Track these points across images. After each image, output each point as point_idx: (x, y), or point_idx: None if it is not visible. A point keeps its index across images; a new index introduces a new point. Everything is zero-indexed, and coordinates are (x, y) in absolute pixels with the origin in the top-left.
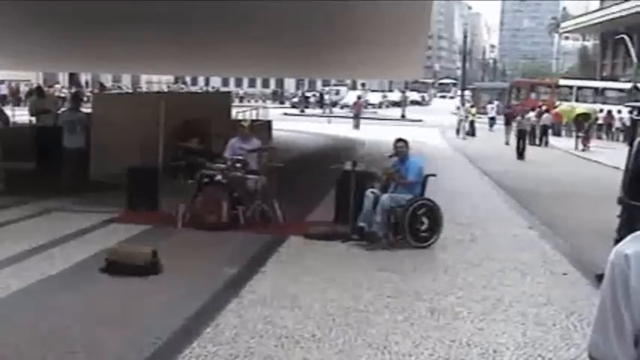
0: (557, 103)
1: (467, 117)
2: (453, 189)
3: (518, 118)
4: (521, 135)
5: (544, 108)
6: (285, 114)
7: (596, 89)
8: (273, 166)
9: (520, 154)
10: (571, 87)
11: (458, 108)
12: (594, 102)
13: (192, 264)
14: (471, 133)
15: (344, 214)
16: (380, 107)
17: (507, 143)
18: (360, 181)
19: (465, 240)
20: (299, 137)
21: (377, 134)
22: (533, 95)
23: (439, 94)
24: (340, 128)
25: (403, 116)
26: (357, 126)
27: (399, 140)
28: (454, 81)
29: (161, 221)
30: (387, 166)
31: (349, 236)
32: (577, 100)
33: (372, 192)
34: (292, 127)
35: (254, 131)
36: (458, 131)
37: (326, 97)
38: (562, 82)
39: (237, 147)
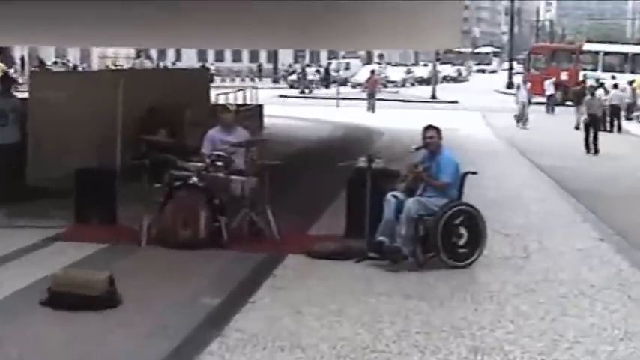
0: (582, 73)
1: (529, 100)
2: (499, 191)
3: (587, 97)
4: (592, 121)
5: (564, 78)
6: (282, 96)
7: (625, 55)
8: (266, 164)
9: (590, 145)
10: (597, 53)
11: (518, 87)
12: (621, 71)
13: (160, 293)
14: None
15: (358, 225)
16: (403, 85)
17: (577, 127)
18: (378, 183)
19: (515, 257)
20: (299, 126)
21: (399, 121)
22: (555, 63)
23: (475, 68)
24: (352, 113)
25: (433, 97)
26: (371, 108)
27: (429, 128)
28: (495, 49)
29: (120, 238)
30: (414, 162)
31: (365, 254)
32: (604, 70)
33: (394, 196)
34: (290, 112)
35: (240, 119)
36: (518, 119)
37: (333, 73)
38: (587, 46)
39: (218, 140)
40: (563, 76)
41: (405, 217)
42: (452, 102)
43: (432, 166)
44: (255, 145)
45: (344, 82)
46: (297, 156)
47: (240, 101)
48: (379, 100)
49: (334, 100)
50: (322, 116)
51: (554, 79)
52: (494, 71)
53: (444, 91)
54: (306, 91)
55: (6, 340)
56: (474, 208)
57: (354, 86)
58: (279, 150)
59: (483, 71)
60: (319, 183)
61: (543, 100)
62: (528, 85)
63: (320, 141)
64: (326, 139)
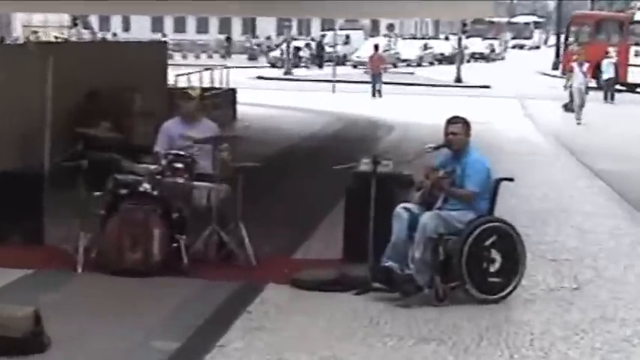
0: (634, 49)
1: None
2: (543, 203)
3: None
4: None
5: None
6: (261, 78)
7: None
8: (240, 166)
9: None
10: None
11: (571, 69)
12: None
13: (100, 334)
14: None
15: (358, 246)
16: (419, 65)
17: None
18: (385, 192)
19: (563, 288)
20: (283, 117)
21: (413, 111)
22: (601, 37)
23: (512, 43)
24: (352, 101)
25: (458, 80)
26: (377, 94)
27: (454, 121)
28: (537, 19)
29: (49, 262)
30: (431, 165)
31: (368, 284)
32: None
33: (407, 209)
34: (272, 99)
35: (207, 108)
36: (568, 108)
37: (328, 48)
38: (639, 16)
39: (177, 134)
40: (611, 52)
41: (421, 236)
42: (482, 87)
43: (455, 171)
44: (226, 141)
45: (342, 61)
46: (280, 156)
47: (206, 84)
48: (387, 83)
49: (329, 84)
50: (314, 105)
51: (614, 58)
52: (536, 47)
53: (471, 72)
54: (293, 71)
55: None
56: (509, 225)
57: (354, 66)
58: (258, 148)
59: (522, 47)
60: (309, 191)
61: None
62: (586, 66)
63: (310, 137)
64: (318, 135)
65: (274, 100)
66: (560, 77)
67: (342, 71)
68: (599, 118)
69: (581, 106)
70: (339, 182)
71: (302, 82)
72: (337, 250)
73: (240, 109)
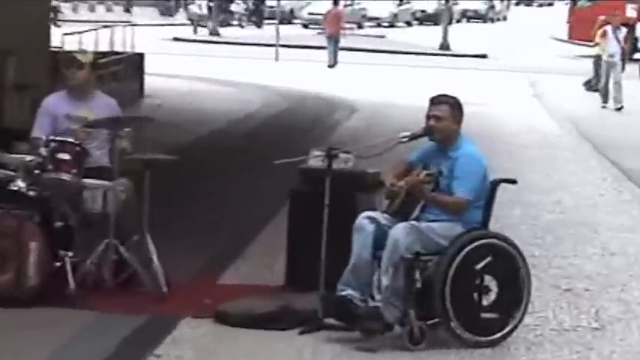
0: None
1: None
2: (555, 214)
3: None
4: None
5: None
6: (178, 39)
7: None
8: (147, 159)
9: None
10: None
11: (604, 34)
12: None
13: None
14: (597, 87)
15: (306, 268)
16: (392, 25)
17: None
18: (343, 195)
19: (581, 328)
20: (207, 93)
21: (384, 87)
22: None
23: None
24: (301, 72)
25: (445, 46)
26: (334, 64)
27: (438, 102)
28: None
29: None
30: (406, 160)
31: (318, 320)
32: None
33: (372, 219)
34: (193, 69)
35: (103, 79)
36: (591, 86)
37: (269, 1)
38: None
39: (62, 115)
40: (630, 11)
41: (390, 256)
42: (477, 56)
43: (440, 169)
44: (130, 124)
45: (288, 18)
46: (203, 146)
47: (103, 47)
48: (348, 50)
49: (270, 50)
50: (249, 77)
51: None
52: (548, 4)
53: (463, 36)
54: (221, 32)
55: None
56: (509, 242)
57: (305, 25)
58: (173, 135)
59: (530, 3)
60: (241, 195)
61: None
62: (624, 32)
63: (244, 120)
64: (255, 118)
65: (196, 69)
66: (584, 45)
67: (289, 32)
68: (631, 101)
69: (618, 84)
70: (282, 182)
71: (234, 47)
72: (278, 273)
73: (150, 81)
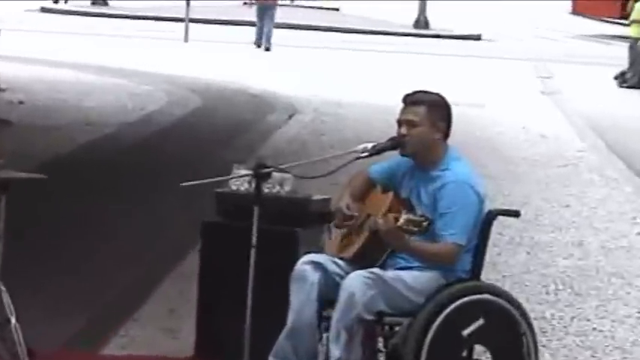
0: None
1: None
2: (574, 260)
3: None
4: None
5: None
6: (46, 10)
7: None
8: (2, 178)
9: None
10: None
11: None
12: None
13: None
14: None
15: (224, 332)
16: None
17: None
18: (277, 232)
19: None
20: (89, 86)
21: (337, 79)
22: None
23: None
24: (220, 57)
25: (422, 23)
26: (267, 47)
27: (411, 101)
28: None
29: None
30: (370, 176)
31: None
32: None
33: (318, 265)
34: (68, 52)
35: None
36: (624, 77)
37: None
38: None
39: None
40: None
41: (342, 316)
42: (467, 38)
43: (419, 198)
44: None
45: None
46: (84, 160)
47: None
48: (285, 27)
49: (178, 26)
50: (148, 63)
51: None
52: None
53: (446, 10)
54: (109, 1)
55: None
56: (509, 299)
57: None
58: (41, 145)
59: None
60: (135, 228)
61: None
62: None
63: (141, 124)
64: (156, 121)
65: (73, 53)
66: (617, 23)
67: (204, 2)
68: None
69: None
70: (191, 212)
71: (127, 21)
72: (184, 340)
73: (6, 68)
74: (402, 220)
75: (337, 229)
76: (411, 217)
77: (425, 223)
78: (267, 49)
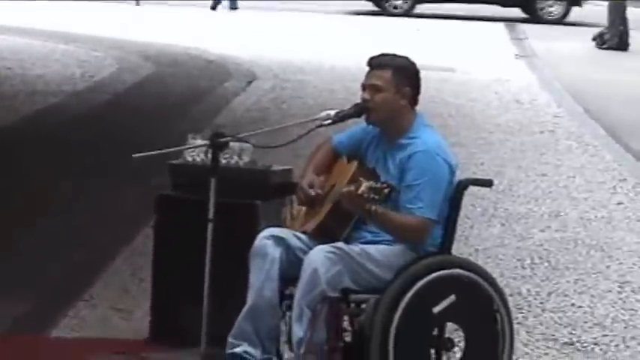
0: None
1: None
2: (552, 232)
3: None
4: None
5: None
6: None
7: None
8: None
9: None
10: None
11: None
12: None
13: None
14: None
15: (181, 313)
16: None
17: None
18: (235, 205)
19: None
20: (34, 52)
21: (296, 43)
22: None
23: None
24: (174, 20)
25: None
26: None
27: (376, 64)
28: None
29: None
30: (333, 144)
31: None
32: None
33: (279, 239)
34: (8, 15)
35: None
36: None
37: None
38: None
39: None
40: None
41: (305, 294)
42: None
43: (385, 167)
44: None
45: None
46: (27, 133)
47: None
48: None
49: None
50: (97, 27)
51: None
52: None
53: None
54: None
55: None
56: (482, 274)
57: None
58: None
59: None
60: (84, 204)
61: None
62: None
63: (89, 93)
64: (105, 89)
65: (14, 17)
66: None
67: None
68: None
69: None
70: (143, 186)
71: None
72: (138, 321)
73: None
74: (362, 188)
75: (298, 206)
76: (372, 184)
77: (386, 190)
78: (234, 9)
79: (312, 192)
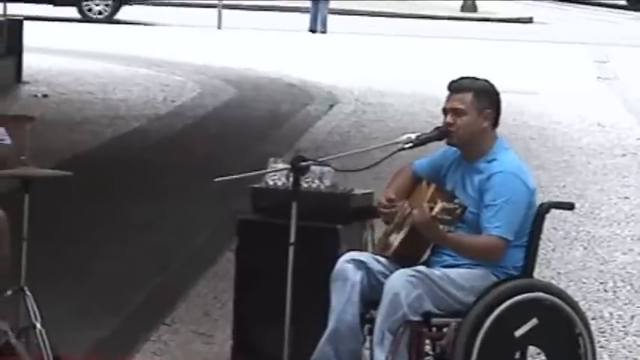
0: None
1: None
2: (634, 254)
3: None
4: None
5: None
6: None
7: None
8: (27, 175)
9: None
10: None
11: None
12: None
13: None
14: None
15: (262, 335)
16: None
17: None
18: (316, 229)
19: None
20: (115, 77)
21: (377, 68)
22: None
23: None
24: (257, 46)
25: (471, 7)
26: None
27: (456, 88)
28: None
29: None
30: (413, 169)
31: None
32: None
33: (360, 263)
34: (93, 41)
35: None
36: None
37: None
38: None
39: None
40: None
41: (387, 317)
42: (518, 21)
43: (464, 190)
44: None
45: None
46: (111, 157)
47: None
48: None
49: (211, 12)
50: (180, 52)
51: None
52: None
53: None
54: None
55: None
56: (564, 297)
57: None
58: (66, 140)
59: None
60: (166, 228)
61: None
62: None
63: (172, 117)
64: (188, 113)
65: (98, 42)
66: None
67: None
68: None
69: None
70: (226, 209)
71: (155, 8)
72: (220, 344)
73: (29, 60)
74: (436, 209)
75: (384, 225)
76: (445, 205)
77: (458, 210)
78: (323, 32)
79: (389, 197)
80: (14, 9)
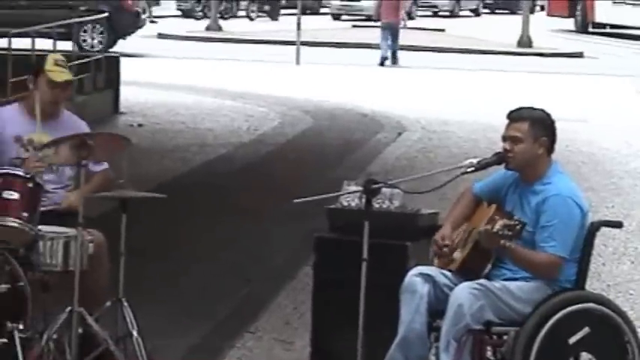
0: None
1: None
2: None
3: None
4: None
5: None
6: (163, 36)
7: None
8: (124, 197)
9: None
10: None
11: None
12: None
13: None
14: None
15: (338, 343)
16: (454, 15)
17: None
18: (387, 245)
19: None
20: (202, 109)
21: (441, 99)
22: None
23: None
24: (331, 79)
25: (526, 43)
26: (392, 60)
27: (514, 118)
28: None
29: None
30: (474, 192)
31: None
32: None
33: (427, 277)
34: (183, 76)
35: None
36: None
37: None
38: None
39: (12, 136)
40: None
41: (451, 327)
42: (570, 55)
43: (522, 210)
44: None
45: (313, 8)
46: (199, 180)
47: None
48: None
49: (290, 49)
50: (262, 85)
51: None
52: None
53: (549, 28)
54: (223, 25)
55: None
56: (614, 308)
57: (336, 16)
58: (158, 165)
59: None
60: (249, 245)
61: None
62: None
63: (255, 145)
64: (269, 141)
65: (188, 77)
66: None
67: (314, 25)
68: None
69: None
70: (304, 228)
71: (240, 45)
72: (300, 351)
73: (126, 92)
74: (497, 226)
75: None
76: (506, 222)
77: (518, 227)
78: (394, 63)
79: (442, 242)
80: (18, 43)
